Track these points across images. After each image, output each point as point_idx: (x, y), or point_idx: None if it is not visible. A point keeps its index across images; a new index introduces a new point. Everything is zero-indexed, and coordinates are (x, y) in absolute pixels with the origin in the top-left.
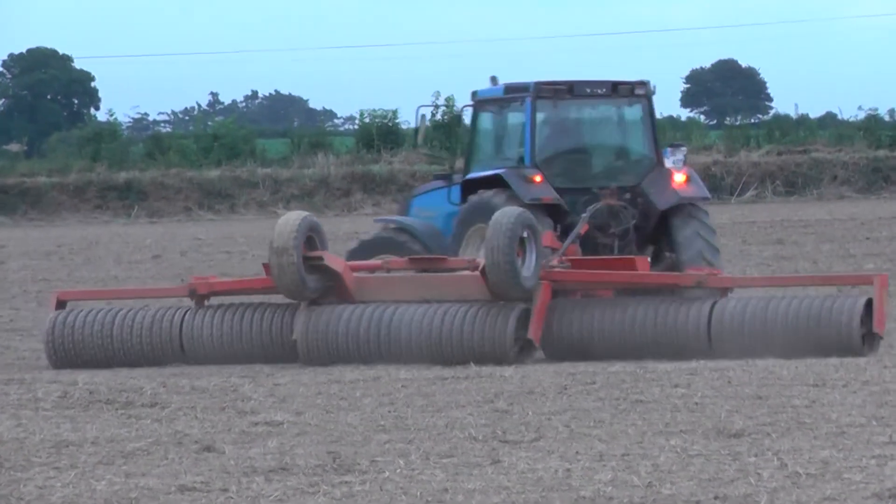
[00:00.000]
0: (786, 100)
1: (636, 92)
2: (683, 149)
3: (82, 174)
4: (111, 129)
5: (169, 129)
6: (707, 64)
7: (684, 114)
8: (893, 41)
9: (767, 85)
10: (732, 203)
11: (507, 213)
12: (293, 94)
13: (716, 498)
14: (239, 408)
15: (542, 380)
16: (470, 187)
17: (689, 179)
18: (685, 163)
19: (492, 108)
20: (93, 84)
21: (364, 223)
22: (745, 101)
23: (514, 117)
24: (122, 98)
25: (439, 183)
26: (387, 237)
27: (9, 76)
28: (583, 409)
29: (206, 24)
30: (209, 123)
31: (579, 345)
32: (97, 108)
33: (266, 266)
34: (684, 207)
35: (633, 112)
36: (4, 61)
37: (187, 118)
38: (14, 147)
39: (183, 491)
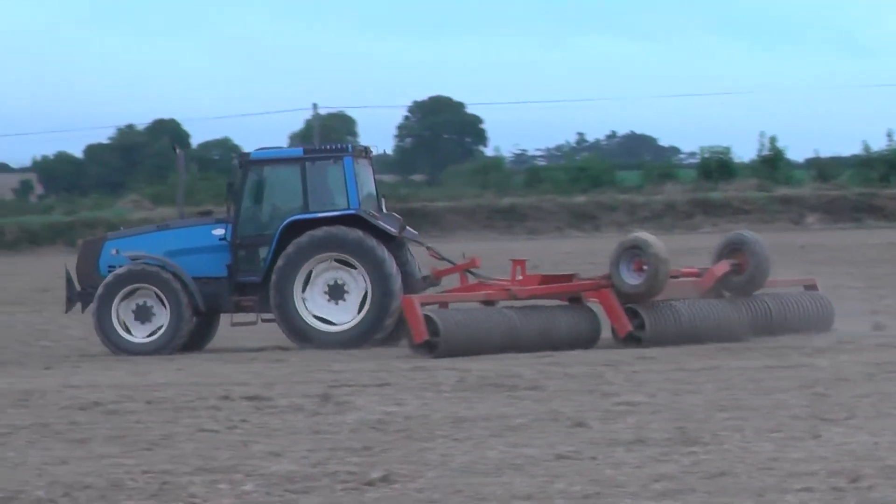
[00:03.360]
0: None
1: (369, 153)
2: None
3: (473, 199)
4: (497, 163)
5: (544, 163)
6: None
7: None
8: None
9: None
10: None
11: (759, 237)
12: (645, 133)
13: None
14: (603, 390)
15: (851, 369)
16: (295, 227)
17: None
18: None
19: (278, 165)
20: (481, 125)
21: (705, 240)
22: None
23: (324, 172)
24: (505, 137)
25: (150, 227)
26: (140, 270)
27: (413, 119)
28: (888, 393)
29: (574, 75)
30: (576, 158)
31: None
32: (485, 146)
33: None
34: None
35: (369, 168)
36: (410, 107)
37: (558, 153)
38: (418, 177)
39: (558, 458)
